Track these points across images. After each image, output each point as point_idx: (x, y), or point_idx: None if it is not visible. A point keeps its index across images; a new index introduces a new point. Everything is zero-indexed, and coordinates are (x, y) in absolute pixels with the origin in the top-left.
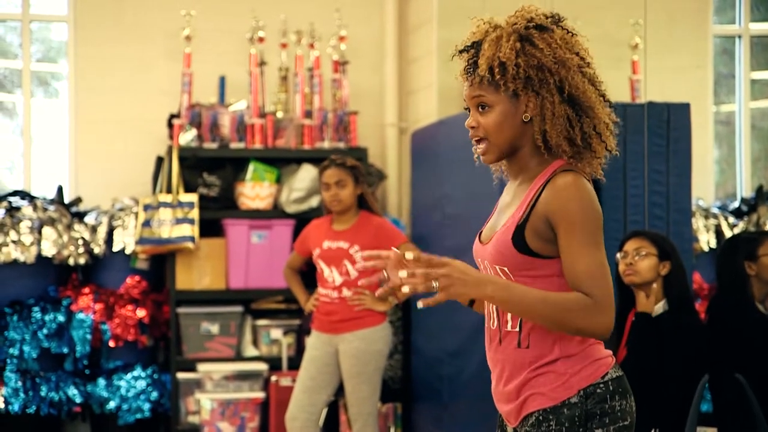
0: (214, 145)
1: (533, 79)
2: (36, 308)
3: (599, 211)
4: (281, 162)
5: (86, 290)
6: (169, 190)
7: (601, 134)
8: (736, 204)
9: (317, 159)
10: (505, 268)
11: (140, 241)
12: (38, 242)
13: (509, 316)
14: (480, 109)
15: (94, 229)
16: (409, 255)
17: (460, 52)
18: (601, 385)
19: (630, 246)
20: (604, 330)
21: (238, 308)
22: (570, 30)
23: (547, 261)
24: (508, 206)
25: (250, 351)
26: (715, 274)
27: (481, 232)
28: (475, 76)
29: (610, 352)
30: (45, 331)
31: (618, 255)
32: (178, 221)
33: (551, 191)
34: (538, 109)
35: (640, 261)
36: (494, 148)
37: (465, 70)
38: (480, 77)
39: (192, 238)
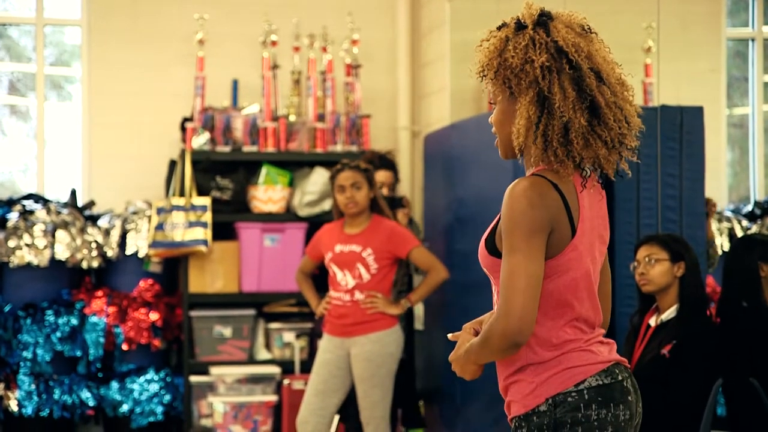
0: (226, 149)
1: (511, 81)
2: (49, 311)
3: (535, 220)
4: (294, 165)
5: (99, 293)
6: (182, 194)
7: (568, 137)
8: (749, 207)
9: (330, 162)
10: (486, 270)
11: (153, 244)
12: (51, 245)
13: None
14: (491, 106)
15: (107, 233)
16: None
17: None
18: (573, 394)
19: (641, 254)
20: (507, 339)
21: (251, 311)
22: (551, 29)
23: None
24: None
25: (262, 354)
26: (723, 273)
27: None
28: None
29: (599, 358)
30: (58, 334)
31: (632, 265)
32: (191, 224)
33: (505, 194)
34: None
35: (651, 268)
36: (500, 145)
37: None
38: (478, 78)
39: (205, 242)
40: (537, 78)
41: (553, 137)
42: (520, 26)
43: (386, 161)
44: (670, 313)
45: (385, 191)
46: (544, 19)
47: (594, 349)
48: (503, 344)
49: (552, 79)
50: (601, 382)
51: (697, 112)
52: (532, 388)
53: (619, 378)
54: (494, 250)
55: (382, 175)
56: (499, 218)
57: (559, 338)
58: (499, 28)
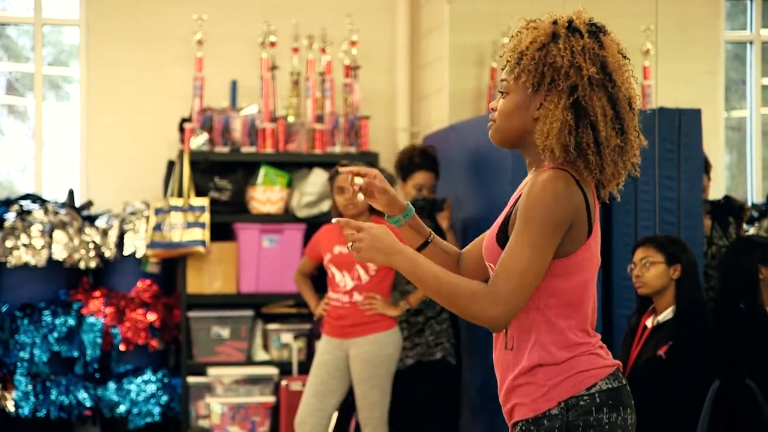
0: (225, 150)
1: (546, 77)
2: (47, 312)
3: (558, 215)
4: (292, 166)
5: (97, 294)
6: (180, 194)
7: (601, 152)
8: None
9: (328, 163)
10: (492, 265)
11: (151, 244)
12: (49, 246)
13: None
14: (502, 94)
15: (105, 233)
16: (341, 220)
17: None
18: (585, 398)
19: (637, 256)
20: (491, 323)
21: (249, 312)
22: (604, 43)
23: None
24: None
25: (260, 355)
26: (721, 275)
27: None
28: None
29: (606, 362)
30: (55, 334)
31: (629, 267)
32: (189, 225)
33: (528, 184)
34: (543, 109)
35: (646, 271)
36: (499, 132)
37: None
38: (506, 62)
39: (203, 242)
40: (578, 85)
41: (588, 148)
42: (573, 28)
43: (427, 159)
44: (666, 315)
45: (424, 193)
46: (596, 30)
47: (600, 353)
48: (483, 322)
49: (592, 92)
50: (610, 386)
51: (695, 115)
52: (544, 391)
53: (623, 382)
54: (505, 244)
55: (420, 177)
56: (510, 212)
57: (571, 341)
58: (553, 23)
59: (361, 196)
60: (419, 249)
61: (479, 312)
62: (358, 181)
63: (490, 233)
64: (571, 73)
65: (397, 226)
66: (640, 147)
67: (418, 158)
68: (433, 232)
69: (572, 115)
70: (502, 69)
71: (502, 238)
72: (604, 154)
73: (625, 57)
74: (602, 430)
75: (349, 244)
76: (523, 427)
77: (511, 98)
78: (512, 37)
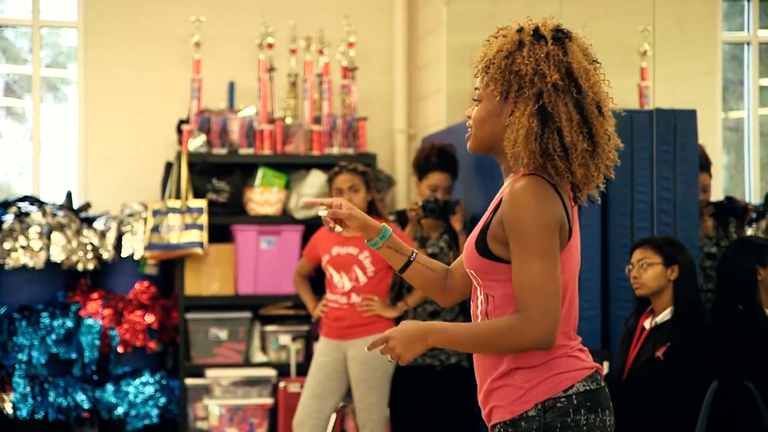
0: (223, 151)
1: (512, 85)
2: (45, 314)
3: (549, 218)
4: (290, 168)
5: (95, 296)
6: (178, 196)
7: (568, 157)
8: None
9: (326, 165)
10: (473, 272)
11: (149, 246)
12: (47, 248)
13: (478, 320)
14: (475, 102)
15: (103, 235)
16: (368, 348)
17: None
18: (563, 399)
19: (635, 257)
20: (539, 343)
21: (247, 314)
22: (569, 49)
23: (509, 266)
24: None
25: (258, 357)
26: (718, 275)
27: None
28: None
29: (585, 364)
30: (53, 336)
31: (627, 268)
32: (187, 227)
33: (507, 194)
34: (512, 116)
35: (644, 272)
36: (474, 140)
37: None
38: (477, 71)
39: (201, 244)
40: (543, 92)
41: (554, 153)
42: (538, 35)
43: (444, 160)
44: (664, 316)
45: (439, 194)
46: (561, 36)
47: (579, 356)
48: (532, 347)
49: (557, 98)
50: (588, 388)
51: (690, 116)
52: (521, 393)
53: (602, 384)
54: (486, 251)
55: (435, 178)
56: (489, 219)
57: None
58: (519, 31)
59: (339, 228)
60: (403, 269)
61: (524, 340)
62: (322, 213)
63: (469, 241)
64: (535, 81)
65: (376, 249)
66: (617, 149)
67: (435, 158)
68: (415, 251)
69: (537, 121)
70: (475, 76)
71: (482, 245)
72: (571, 158)
73: (594, 61)
74: (579, 431)
75: (388, 358)
76: (501, 429)
77: (483, 106)
78: (483, 44)
